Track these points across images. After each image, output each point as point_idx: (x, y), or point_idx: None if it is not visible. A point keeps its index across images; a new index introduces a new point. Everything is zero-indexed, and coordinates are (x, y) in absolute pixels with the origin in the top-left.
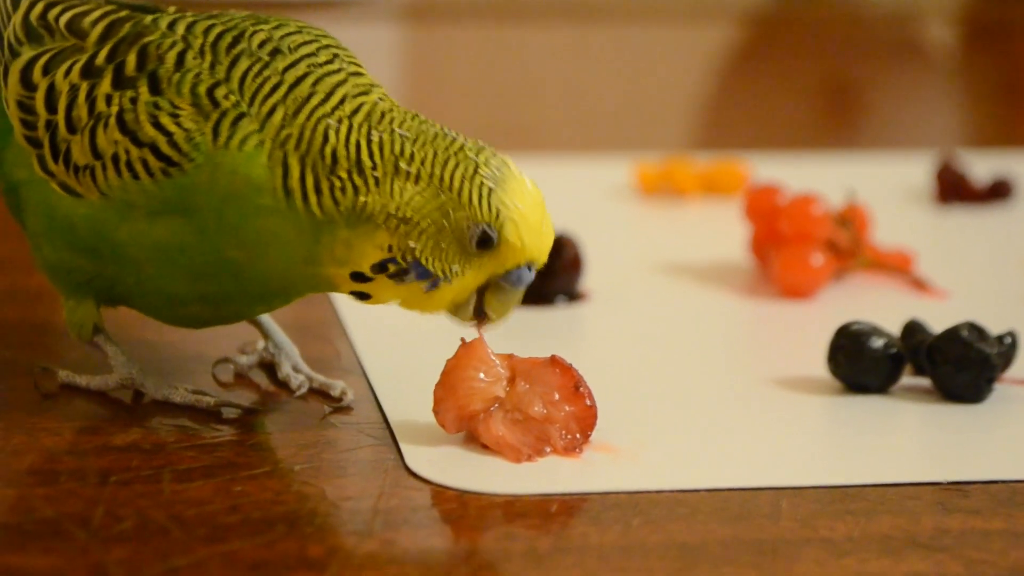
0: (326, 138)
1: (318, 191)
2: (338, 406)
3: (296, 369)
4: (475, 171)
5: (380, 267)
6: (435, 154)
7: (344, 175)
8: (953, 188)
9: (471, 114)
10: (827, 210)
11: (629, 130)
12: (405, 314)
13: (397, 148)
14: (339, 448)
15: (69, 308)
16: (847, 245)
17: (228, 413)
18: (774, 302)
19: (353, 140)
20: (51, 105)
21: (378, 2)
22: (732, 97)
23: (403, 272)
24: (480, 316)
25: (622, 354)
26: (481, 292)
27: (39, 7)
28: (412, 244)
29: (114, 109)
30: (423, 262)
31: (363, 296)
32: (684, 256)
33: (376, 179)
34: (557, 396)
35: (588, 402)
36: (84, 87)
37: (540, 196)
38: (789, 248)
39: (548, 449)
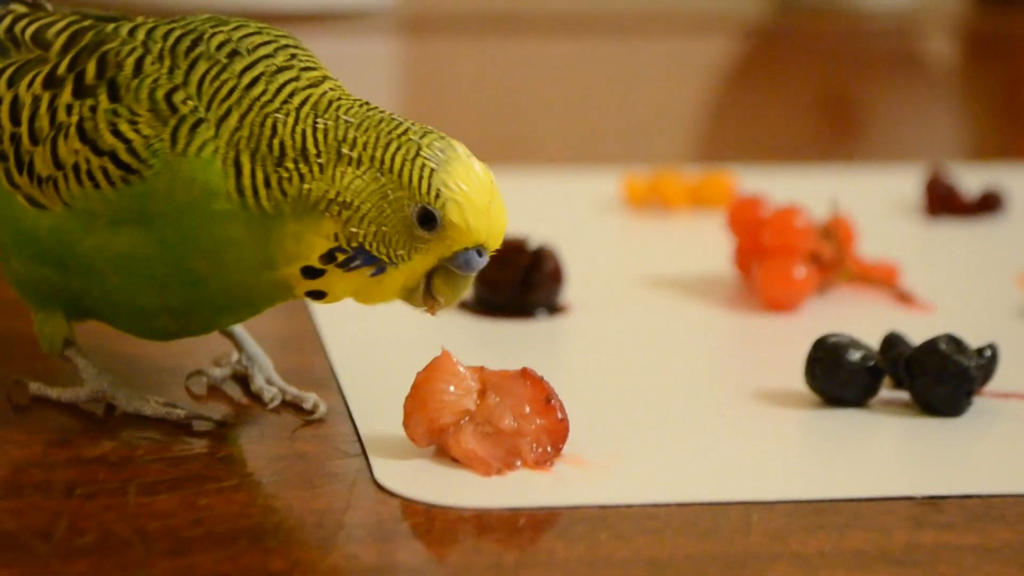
0: (274, 131)
1: (267, 184)
2: (310, 419)
3: (269, 382)
4: (416, 152)
5: (328, 257)
6: (377, 138)
7: (291, 165)
8: (942, 200)
9: (466, 126)
10: (811, 222)
11: (624, 143)
12: (381, 326)
13: (340, 133)
14: (309, 461)
15: (39, 321)
16: (831, 258)
17: (199, 426)
18: (757, 315)
19: (299, 130)
20: (15, 117)
21: (377, 14)
22: (727, 110)
23: (350, 260)
24: (430, 300)
25: (600, 367)
26: (430, 276)
27: (7, 20)
28: (354, 229)
29: (74, 118)
30: (367, 247)
31: (318, 295)
32: (668, 269)
33: (320, 165)
34: (528, 409)
35: (559, 415)
36: (46, 97)
37: (489, 179)
38: (772, 261)
39: (519, 463)
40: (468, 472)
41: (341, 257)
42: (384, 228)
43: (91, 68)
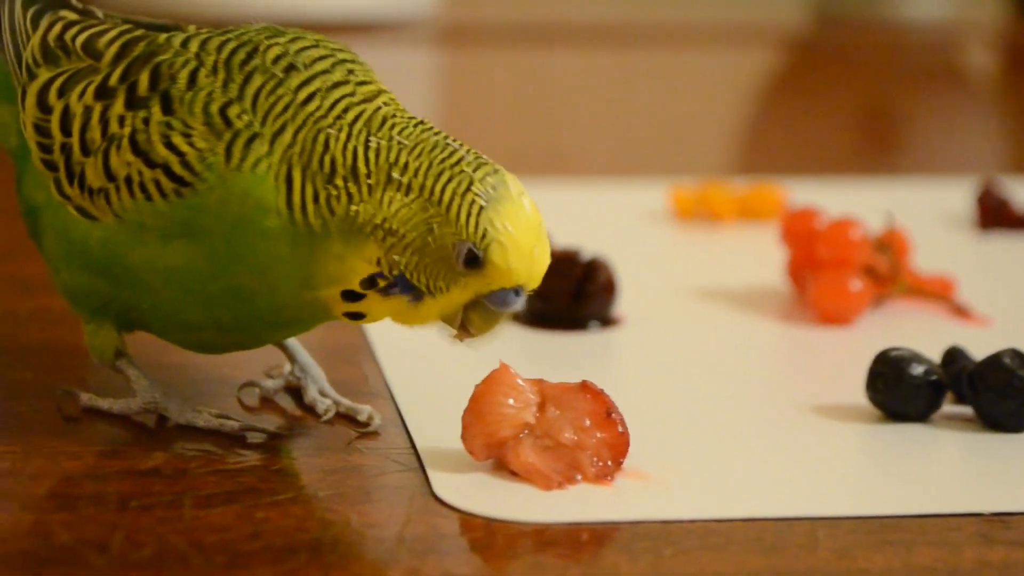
0: (326, 146)
1: (316, 200)
2: (365, 431)
3: (323, 393)
4: (468, 187)
5: (369, 282)
6: (430, 165)
7: (340, 183)
8: (995, 213)
9: (507, 138)
10: (866, 235)
11: (666, 155)
12: (434, 338)
13: (392, 156)
14: (365, 474)
15: (90, 332)
16: (886, 271)
17: (253, 438)
18: (811, 328)
19: (351, 147)
20: (66, 127)
21: (415, 25)
22: (770, 122)
23: (390, 286)
24: (462, 330)
25: (655, 380)
26: (466, 307)
27: (57, 27)
28: (396, 257)
29: (127, 130)
30: (408, 276)
31: (357, 316)
32: (719, 281)
33: (369, 187)
34: (588, 422)
35: (620, 428)
36: (98, 108)
37: (538, 219)
38: (827, 273)
39: (579, 477)
40: (528, 486)
41: (382, 283)
42: (427, 260)
43: (144, 79)
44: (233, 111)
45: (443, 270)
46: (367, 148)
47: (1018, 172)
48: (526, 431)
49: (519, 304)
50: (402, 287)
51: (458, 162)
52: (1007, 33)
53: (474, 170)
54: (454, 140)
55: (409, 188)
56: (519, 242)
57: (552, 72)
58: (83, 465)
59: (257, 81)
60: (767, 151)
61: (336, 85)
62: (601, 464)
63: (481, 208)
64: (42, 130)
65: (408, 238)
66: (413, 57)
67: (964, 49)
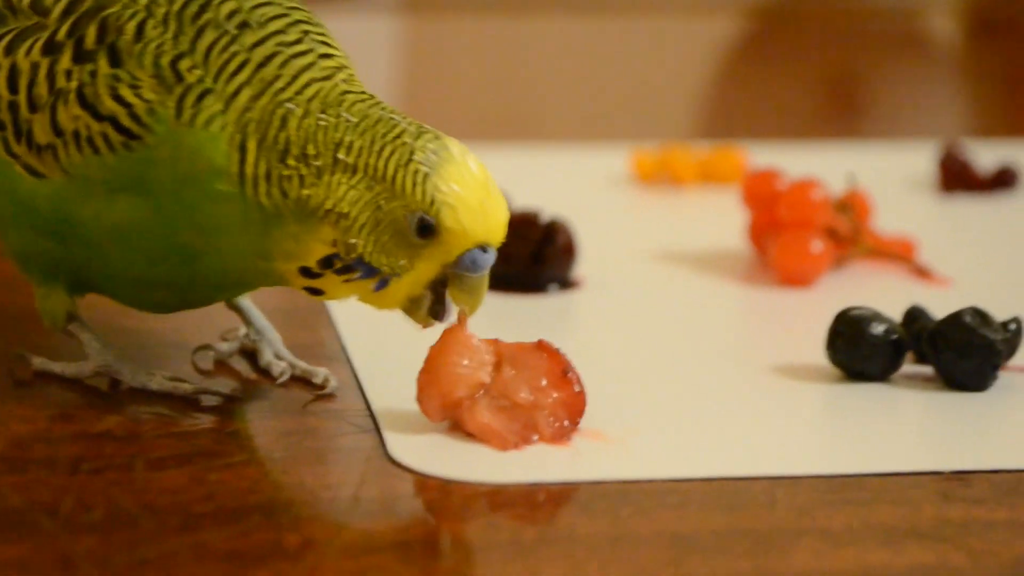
0: (283, 123)
1: (268, 179)
2: (321, 393)
3: (278, 356)
4: (410, 157)
5: (326, 262)
6: (372, 141)
7: (292, 163)
8: (957, 176)
9: (470, 106)
10: (827, 196)
11: (629, 120)
12: None
13: (338, 135)
14: (320, 437)
15: (41, 296)
16: (847, 232)
17: (207, 401)
18: (772, 290)
19: (305, 124)
20: (13, 85)
21: None
22: (734, 87)
23: (348, 269)
24: (434, 312)
25: (615, 342)
26: (441, 288)
27: None
28: (352, 240)
29: (74, 84)
30: (367, 259)
31: (316, 292)
32: (681, 244)
33: (317, 169)
34: (544, 382)
35: (577, 388)
36: (45, 64)
37: (484, 175)
38: (788, 235)
39: (535, 437)
40: (484, 447)
41: (338, 264)
42: (383, 238)
43: (91, 33)
44: (184, 64)
45: (401, 246)
46: (318, 126)
47: (980, 136)
48: (482, 391)
49: (489, 262)
50: (363, 271)
51: (399, 135)
52: (971, 1)
53: (415, 139)
54: (398, 113)
55: (355, 169)
56: (468, 200)
57: (516, 40)
58: (34, 428)
59: (209, 36)
60: (730, 116)
61: (298, 55)
62: (558, 424)
63: (426, 175)
64: None
65: (360, 219)
66: (377, 25)
67: (927, 16)
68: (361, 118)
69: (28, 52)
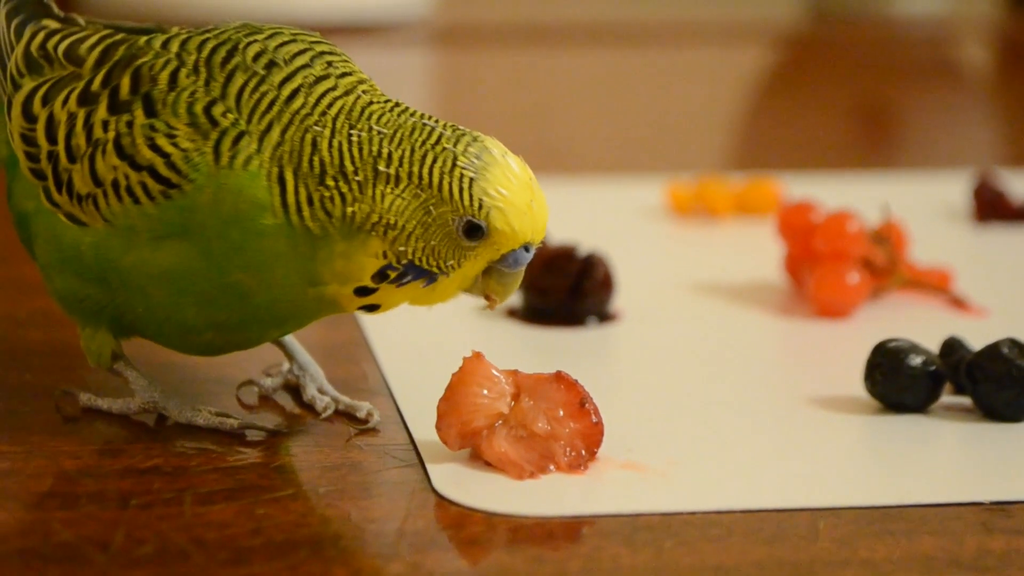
0: (314, 147)
1: (310, 203)
2: (364, 428)
3: (321, 391)
4: (454, 163)
5: (380, 276)
6: (412, 151)
7: (331, 183)
8: (991, 206)
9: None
10: (863, 227)
11: (663, 152)
12: (432, 334)
13: (375, 147)
14: (365, 470)
15: (86, 336)
16: (883, 263)
17: (252, 435)
18: (809, 322)
19: (335, 143)
20: (51, 135)
21: (409, 27)
22: (767, 118)
23: (401, 276)
24: (487, 296)
25: (654, 374)
26: (481, 276)
27: (39, 37)
28: (402, 248)
29: (111, 135)
30: (417, 263)
31: (372, 308)
32: (717, 276)
33: (359, 184)
34: (562, 412)
35: (594, 418)
36: (81, 114)
37: (528, 176)
38: (824, 266)
39: (552, 467)
40: (531, 481)
41: (393, 275)
42: (432, 243)
43: (125, 83)
44: (218, 110)
45: (451, 247)
46: (351, 143)
47: (1014, 165)
48: (500, 421)
49: (529, 259)
50: (414, 274)
51: (438, 140)
52: (1002, 28)
53: (455, 144)
54: (430, 118)
55: (398, 179)
56: (516, 202)
57: (548, 72)
58: (83, 464)
59: (239, 79)
60: (764, 147)
61: (318, 80)
62: (574, 454)
63: (471, 180)
64: (28, 139)
65: (409, 227)
66: (408, 58)
67: (959, 44)
68: (394, 129)
69: (65, 102)
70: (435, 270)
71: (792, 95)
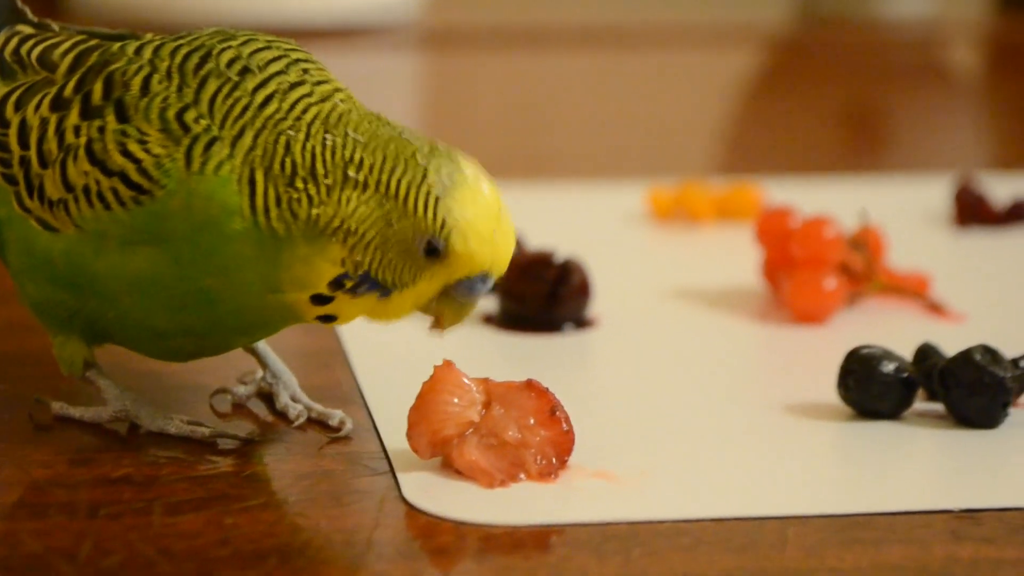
0: (287, 148)
1: (278, 204)
2: (336, 436)
3: (294, 399)
4: (423, 178)
5: (336, 284)
6: (383, 159)
7: (300, 185)
8: (972, 210)
9: (489, 142)
10: (840, 233)
11: (646, 157)
12: (407, 342)
13: (348, 153)
14: (336, 479)
15: (58, 344)
16: (861, 268)
17: (224, 444)
18: (786, 327)
19: (309, 146)
20: (24, 141)
21: (397, 30)
22: (751, 122)
23: (356, 286)
24: (436, 320)
25: (629, 381)
26: (436, 298)
27: (13, 42)
28: (359, 258)
29: (83, 140)
30: (372, 274)
31: (329, 319)
32: (696, 281)
33: (327, 187)
34: (532, 421)
35: (564, 427)
36: (54, 120)
37: (497, 203)
38: (801, 272)
39: (522, 475)
40: (502, 490)
41: (348, 284)
42: (389, 255)
43: (98, 89)
44: (190, 116)
45: (407, 263)
46: (324, 147)
47: (1000, 168)
48: (471, 429)
49: (486, 290)
50: (368, 285)
51: (413, 154)
52: (990, 30)
53: (428, 159)
54: (411, 132)
55: (365, 185)
56: (478, 228)
57: (534, 75)
58: (53, 473)
59: (212, 85)
60: (748, 151)
61: (293, 86)
62: (544, 462)
63: (437, 199)
64: (0, 144)
65: (368, 236)
66: (396, 62)
67: (947, 47)
68: (370, 137)
69: (37, 108)
70: (389, 285)
71: (779, 98)
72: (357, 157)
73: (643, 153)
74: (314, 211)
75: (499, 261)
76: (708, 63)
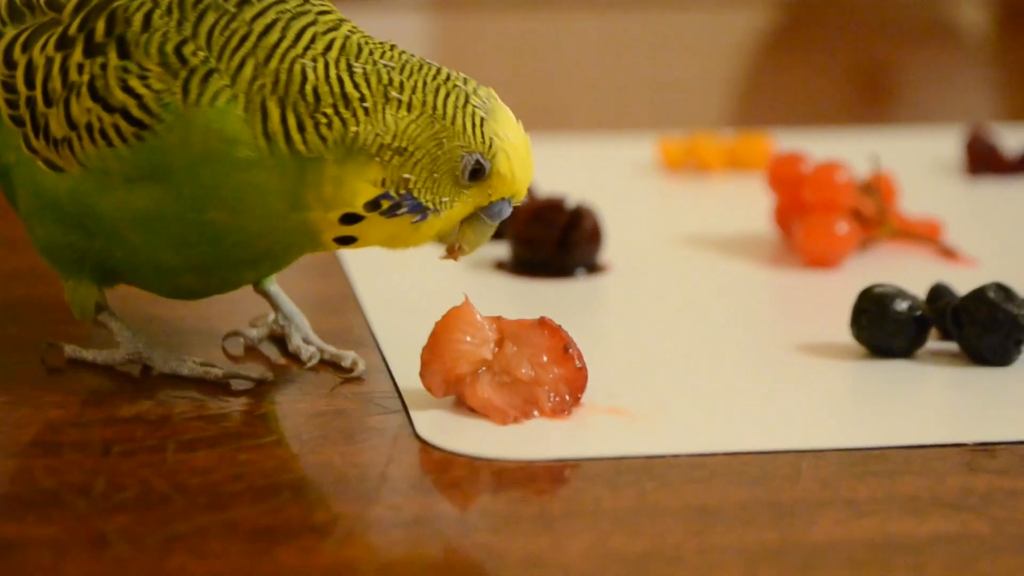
0: (304, 77)
1: (302, 129)
2: (349, 377)
3: (307, 341)
4: (466, 100)
5: (373, 204)
6: (424, 83)
7: (330, 111)
8: (983, 159)
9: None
10: (852, 178)
11: (657, 111)
12: (418, 285)
13: (385, 78)
14: (349, 417)
15: (69, 288)
16: (873, 213)
17: (237, 385)
18: (798, 272)
19: (333, 75)
20: (30, 81)
21: None
22: (762, 77)
23: (395, 207)
24: (455, 247)
25: (641, 323)
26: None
27: None
28: (406, 176)
29: (85, 77)
30: (415, 194)
31: (347, 240)
32: (707, 229)
33: (366, 109)
34: (545, 358)
35: (578, 363)
36: (58, 59)
37: (522, 128)
38: (813, 217)
39: (535, 412)
40: (514, 426)
41: (386, 204)
42: (436, 175)
43: (100, 26)
44: (188, 49)
45: (450, 184)
46: (352, 74)
47: (1007, 120)
48: (484, 367)
49: (508, 213)
50: (410, 207)
51: (448, 78)
52: None
53: (464, 84)
54: (431, 61)
55: (411, 105)
56: (519, 150)
57: (543, 36)
58: (67, 413)
59: (210, 18)
60: (759, 106)
61: (295, 16)
62: (558, 399)
63: (483, 119)
64: (8, 86)
65: (418, 155)
66: (403, 22)
67: (955, 4)
68: (401, 64)
69: (43, 48)
70: (430, 205)
71: (788, 54)
72: (396, 80)
73: (654, 109)
74: (351, 129)
75: (528, 184)
76: (719, 22)
